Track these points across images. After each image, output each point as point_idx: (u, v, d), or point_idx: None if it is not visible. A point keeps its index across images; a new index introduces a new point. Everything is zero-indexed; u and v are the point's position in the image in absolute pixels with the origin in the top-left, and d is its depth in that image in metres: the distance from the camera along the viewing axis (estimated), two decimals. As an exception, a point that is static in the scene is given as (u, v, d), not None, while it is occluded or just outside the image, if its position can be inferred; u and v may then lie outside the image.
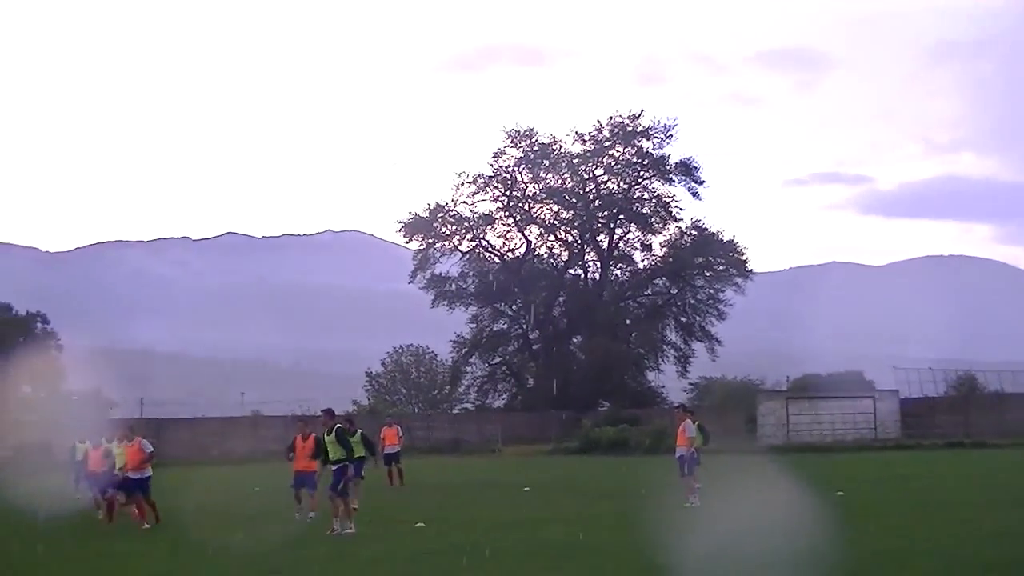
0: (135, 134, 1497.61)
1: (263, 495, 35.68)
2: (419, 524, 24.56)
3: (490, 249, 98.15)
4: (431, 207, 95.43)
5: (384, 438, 39.94)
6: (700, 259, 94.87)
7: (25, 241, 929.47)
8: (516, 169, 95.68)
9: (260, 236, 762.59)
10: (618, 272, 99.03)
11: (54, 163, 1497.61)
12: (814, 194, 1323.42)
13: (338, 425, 23.92)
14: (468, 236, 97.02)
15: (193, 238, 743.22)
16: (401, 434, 40.97)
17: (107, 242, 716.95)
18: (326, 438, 23.79)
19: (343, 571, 17.67)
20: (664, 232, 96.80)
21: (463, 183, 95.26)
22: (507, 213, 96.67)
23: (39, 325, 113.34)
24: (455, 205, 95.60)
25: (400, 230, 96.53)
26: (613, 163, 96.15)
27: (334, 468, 23.48)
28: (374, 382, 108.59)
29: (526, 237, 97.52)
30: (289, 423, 50.06)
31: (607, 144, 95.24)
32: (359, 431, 31.39)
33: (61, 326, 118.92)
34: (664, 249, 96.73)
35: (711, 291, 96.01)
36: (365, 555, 19.86)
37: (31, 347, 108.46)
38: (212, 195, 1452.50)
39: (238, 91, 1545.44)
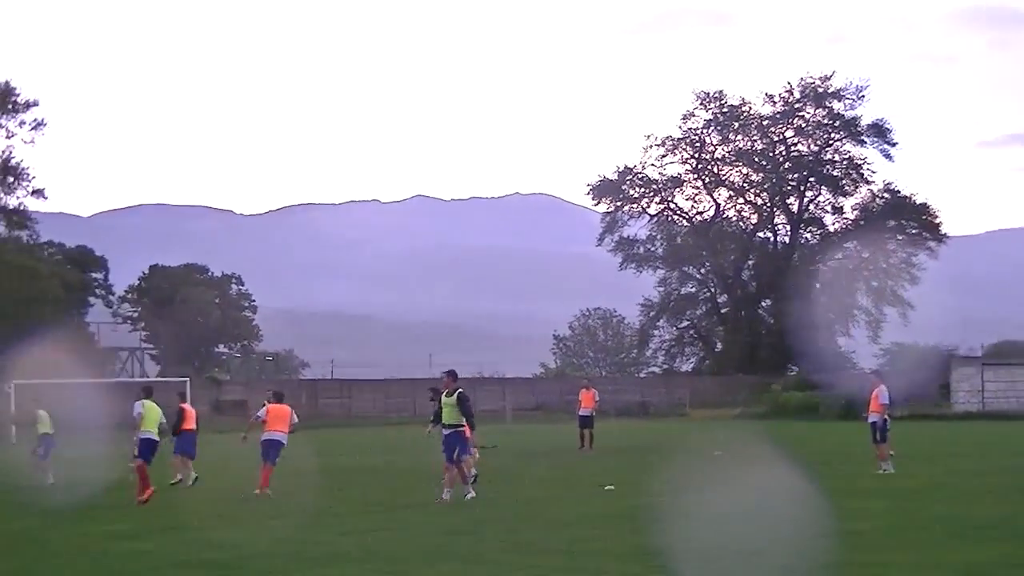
0: (324, 97, 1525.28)
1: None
2: (609, 487, 24.32)
3: (678, 212, 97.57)
4: (620, 170, 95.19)
5: (581, 401, 40.08)
6: (892, 222, 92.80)
7: (220, 204, 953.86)
8: (705, 131, 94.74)
9: (448, 199, 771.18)
10: (808, 235, 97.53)
11: (246, 128, 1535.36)
12: (1008, 156, 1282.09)
13: (460, 389, 22.93)
14: (656, 199, 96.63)
15: (382, 201, 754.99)
16: (597, 397, 40.89)
17: (298, 205, 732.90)
18: (444, 399, 23.02)
19: (530, 532, 17.48)
20: (855, 195, 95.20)
21: (652, 145, 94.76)
22: (696, 176, 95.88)
23: (234, 287, 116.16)
24: (644, 168, 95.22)
25: (589, 193, 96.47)
26: (804, 125, 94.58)
27: (447, 432, 22.60)
28: (562, 345, 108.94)
29: (715, 200, 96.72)
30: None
31: (797, 106, 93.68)
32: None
33: (255, 288, 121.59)
34: (855, 212, 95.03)
35: (903, 255, 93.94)
36: (553, 516, 19.68)
37: (227, 308, 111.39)
38: (401, 158, 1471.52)
39: (429, 53, 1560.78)
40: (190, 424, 28.33)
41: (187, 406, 29.97)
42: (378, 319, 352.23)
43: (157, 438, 25.12)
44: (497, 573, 13.91)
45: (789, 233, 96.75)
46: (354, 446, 39.48)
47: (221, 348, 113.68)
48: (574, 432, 38.92)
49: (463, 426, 22.61)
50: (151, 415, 25.24)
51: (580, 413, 39.71)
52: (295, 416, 26.03)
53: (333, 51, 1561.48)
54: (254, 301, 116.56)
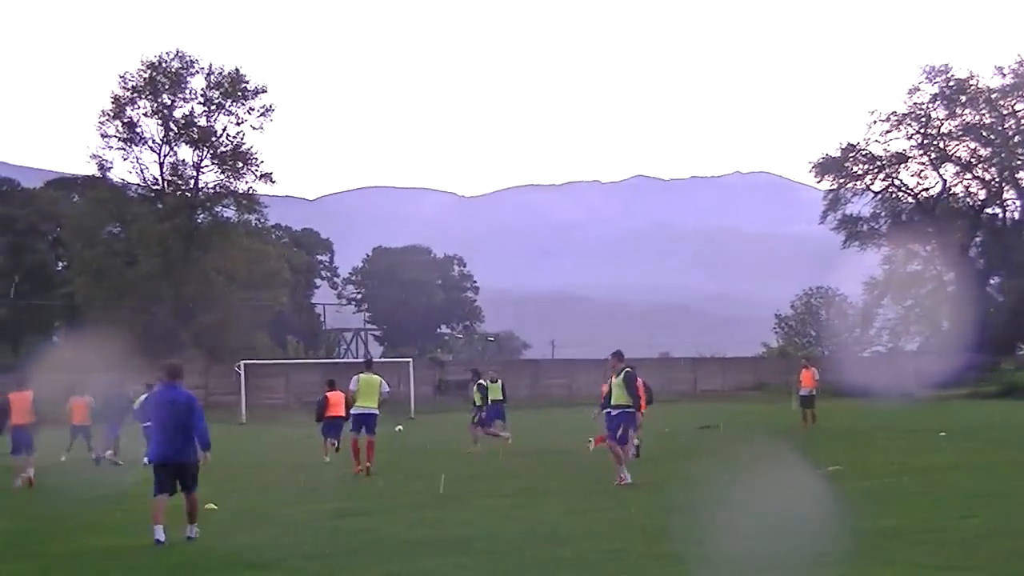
0: (545, 79, 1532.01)
1: (670, 436, 35.72)
2: (835, 467, 23.84)
3: (903, 189, 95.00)
4: (843, 147, 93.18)
5: (801, 380, 39.63)
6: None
7: (442, 186, 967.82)
8: (931, 106, 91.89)
9: (668, 178, 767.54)
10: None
11: (469, 110, 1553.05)
12: None
13: (627, 369, 22.31)
14: (880, 175, 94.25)
15: (602, 181, 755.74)
16: (817, 376, 40.20)
17: (519, 186, 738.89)
18: (613, 380, 22.62)
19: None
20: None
21: (876, 121, 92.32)
22: (921, 151, 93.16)
23: (456, 268, 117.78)
24: (867, 144, 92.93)
25: (811, 170, 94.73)
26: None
27: (614, 413, 22.10)
28: (783, 324, 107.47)
29: (941, 176, 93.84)
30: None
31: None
32: (500, 381, 35.38)
33: (476, 269, 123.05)
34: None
35: None
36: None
37: (449, 289, 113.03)
38: (621, 138, 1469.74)
39: (648, 33, 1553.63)
40: (337, 411, 28.27)
41: (332, 392, 30.72)
42: (598, 300, 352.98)
43: (375, 411, 25.72)
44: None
45: (1019, 208, 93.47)
46: (575, 426, 39.48)
47: (443, 329, 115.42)
48: (794, 412, 38.38)
49: (631, 407, 22.19)
50: (366, 388, 25.70)
51: (801, 393, 39.34)
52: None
53: (556, 34, 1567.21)
54: (476, 282, 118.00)
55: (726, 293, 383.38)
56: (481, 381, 34.44)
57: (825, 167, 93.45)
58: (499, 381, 36.98)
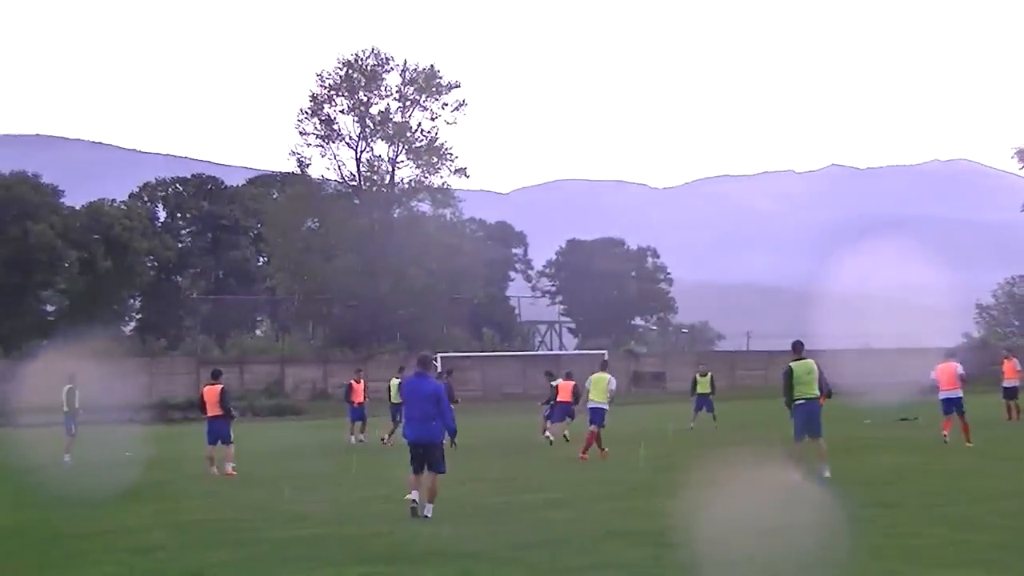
0: (731, 70, 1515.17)
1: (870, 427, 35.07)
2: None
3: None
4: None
5: (1004, 372, 38.35)
6: None
7: (635, 178, 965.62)
8: None
9: (864, 167, 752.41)
10: None
11: (661, 102, 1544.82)
12: None
13: (799, 360, 21.67)
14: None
15: (796, 171, 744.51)
16: (1020, 367, 38.84)
17: (712, 177, 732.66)
18: (795, 367, 21.92)
19: (954, 507, 16.81)
20: None
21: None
22: None
23: (650, 260, 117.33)
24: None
25: (1013, 157, 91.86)
26: None
27: (802, 403, 21.48)
28: (984, 314, 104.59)
29: None
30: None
31: None
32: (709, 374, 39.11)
33: (670, 260, 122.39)
34: None
35: None
36: (980, 489, 18.87)
37: (643, 280, 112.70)
38: (816, 126, 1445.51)
39: (839, 23, 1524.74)
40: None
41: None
42: (794, 290, 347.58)
43: (606, 406, 27.63)
44: (928, 546, 13.42)
45: None
46: (771, 417, 39.06)
47: (637, 320, 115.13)
48: (998, 403, 37.24)
49: (818, 398, 21.65)
50: (598, 386, 27.80)
51: (1004, 384, 38.00)
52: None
53: (745, 24, 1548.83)
54: (669, 274, 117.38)
55: (925, 282, 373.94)
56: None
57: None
58: (708, 374, 38.43)
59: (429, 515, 16.90)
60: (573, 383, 32.27)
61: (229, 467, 25.36)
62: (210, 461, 25.71)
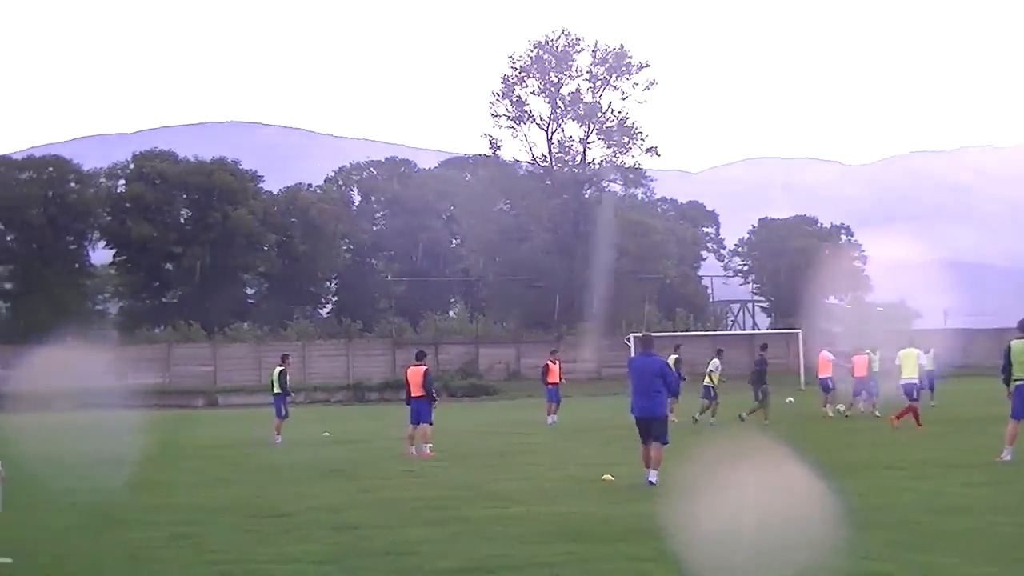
0: (925, 45, 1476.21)
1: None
2: None
3: None
4: None
5: None
6: None
7: (827, 155, 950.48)
8: None
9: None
10: None
11: (851, 78, 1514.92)
12: None
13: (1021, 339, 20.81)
14: None
15: (995, 145, 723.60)
16: None
17: (907, 153, 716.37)
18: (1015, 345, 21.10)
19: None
20: None
21: None
22: None
23: (843, 237, 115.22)
24: None
25: None
26: None
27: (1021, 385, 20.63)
28: None
29: None
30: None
31: None
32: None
33: (864, 237, 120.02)
34: None
35: None
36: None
37: (836, 258, 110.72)
38: (1015, 99, 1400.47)
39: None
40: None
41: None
42: (995, 267, 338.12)
43: (917, 381, 29.55)
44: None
45: None
46: (969, 398, 38.13)
47: (831, 299, 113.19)
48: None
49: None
50: (908, 361, 29.67)
51: None
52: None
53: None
54: (864, 251, 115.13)
55: None
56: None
57: None
58: (931, 351, 39.79)
59: (654, 480, 18.19)
60: (867, 357, 35.31)
61: (427, 448, 25.65)
62: (410, 441, 26.07)
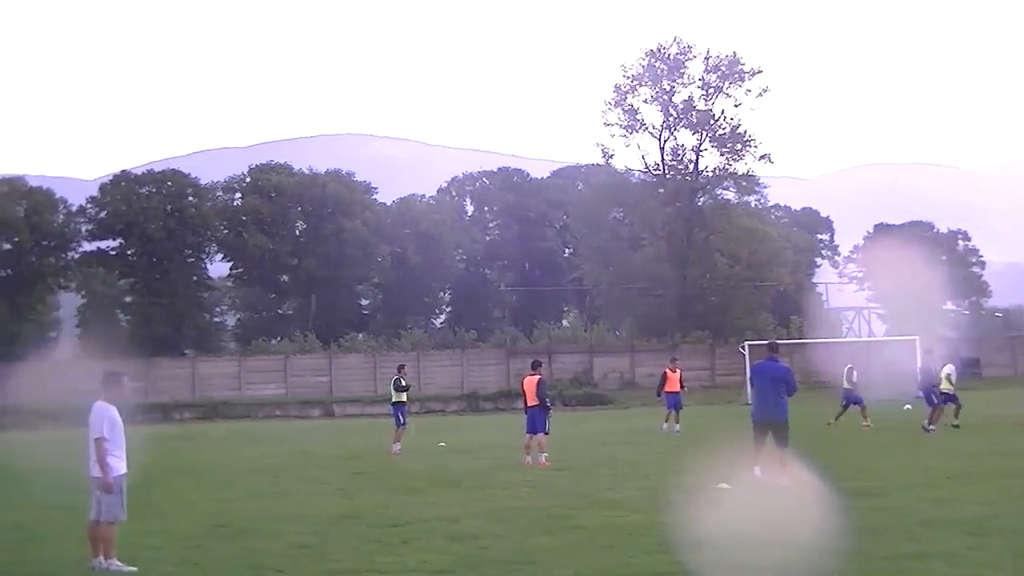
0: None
1: None
2: None
3: None
4: None
5: None
6: None
7: (944, 160, 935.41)
8: None
9: None
10: None
11: (969, 83, 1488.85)
12: None
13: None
14: None
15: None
16: None
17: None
18: None
19: None
20: None
21: None
22: None
23: (960, 243, 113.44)
24: None
25: None
26: None
27: None
28: None
29: None
30: None
31: None
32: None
33: (982, 242, 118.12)
34: None
35: None
36: None
37: (953, 264, 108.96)
38: None
39: None
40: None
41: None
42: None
43: None
44: None
45: None
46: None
47: (949, 305, 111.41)
48: None
49: None
50: None
51: None
52: None
53: None
54: (982, 257, 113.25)
55: None
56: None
57: None
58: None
59: (784, 483, 18.53)
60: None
61: (542, 458, 25.71)
62: (526, 450, 26.17)
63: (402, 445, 31.04)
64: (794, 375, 19.85)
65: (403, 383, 32.38)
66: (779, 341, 69.52)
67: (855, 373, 35.59)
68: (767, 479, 18.68)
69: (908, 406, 41.29)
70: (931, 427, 31.48)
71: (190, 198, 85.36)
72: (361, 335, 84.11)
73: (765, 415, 19.22)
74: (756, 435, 19.34)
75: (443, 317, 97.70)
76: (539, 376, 26.65)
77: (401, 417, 31.62)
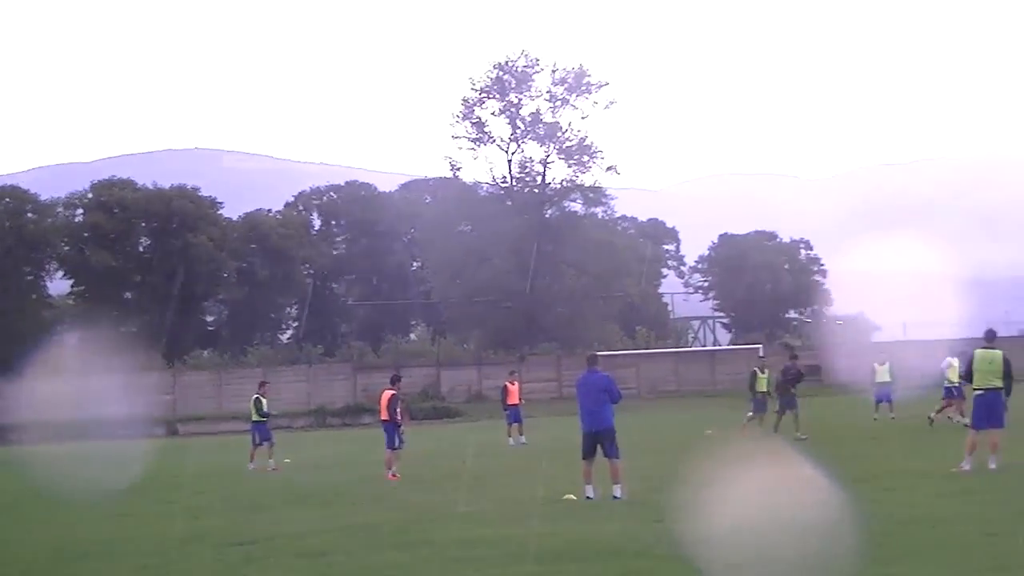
0: (881, 58, 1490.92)
1: None
2: None
3: None
4: None
5: None
6: None
7: (787, 170, 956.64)
8: None
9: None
10: None
11: (809, 93, 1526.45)
12: None
13: (985, 349, 21.20)
14: None
15: (954, 157, 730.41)
16: None
17: (866, 166, 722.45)
18: (979, 355, 21.34)
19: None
20: None
21: None
22: None
23: (803, 251, 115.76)
24: None
25: None
26: None
27: (981, 394, 20.93)
28: None
29: None
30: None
31: None
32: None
33: (824, 251, 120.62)
34: None
35: None
36: None
37: (796, 273, 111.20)
38: (970, 112, 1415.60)
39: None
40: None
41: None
42: (955, 277, 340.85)
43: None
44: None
45: None
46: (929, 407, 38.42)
47: (791, 313, 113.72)
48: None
49: (999, 389, 20.91)
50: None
51: None
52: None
53: (911, 11, 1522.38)
54: (823, 265, 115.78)
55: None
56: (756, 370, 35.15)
57: None
58: (886, 363, 38.61)
59: (619, 495, 18.84)
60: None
61: (389, 473, 25.70)
62: (387, 464, 26.23)
63: (246, 462, 30.75)
64: (616, 382, 19.91)
65: (263, 403, 31.91)
66: (618, 352, 70.54)
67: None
68: (609, 489, 18.76)
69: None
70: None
71: (29, 215, 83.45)
72: (207, 352, 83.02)
73: (593, 425, 19.23)
74: (586, 447, 19.33)
75: (290, 332, 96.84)
76: (392, 391, 26.69)
77: (258, 436, 31.26)
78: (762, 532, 13.32)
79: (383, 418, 26.49)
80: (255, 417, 31.53)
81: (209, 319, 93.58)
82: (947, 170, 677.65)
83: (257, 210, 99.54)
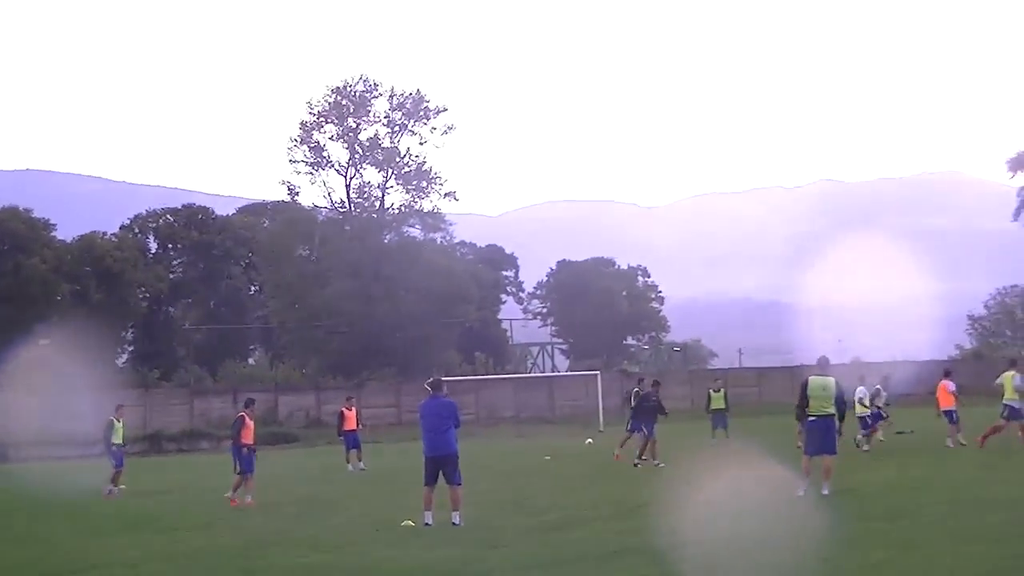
0: (736, 90, 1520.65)
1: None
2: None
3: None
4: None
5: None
6: None
7: (625, 198, 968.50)
8: None
9: (853, 180, 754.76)
10: None
11: (648, 121, 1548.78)
12: None
13: (819, 376, 21.69)
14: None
15: (785, 186, 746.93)
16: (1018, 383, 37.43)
17: (702, 194, 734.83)
18: (813, 382, 22.03)
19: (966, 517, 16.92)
20: None
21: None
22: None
23: (640, 279, 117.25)
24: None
25: (1006, 167, 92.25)
26: None
27: (816, 420, 21.46)
28: (977, 325, 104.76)
29: None
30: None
31: None
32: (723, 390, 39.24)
33: (661, 278, 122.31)
34: None
35: None
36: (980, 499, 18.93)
37: (633, 300, 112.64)
38: (804, 141, 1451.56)
39: (829, 39, 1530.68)
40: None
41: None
42: (787, 305, 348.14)
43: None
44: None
45: None
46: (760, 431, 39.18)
47: (630, 340, 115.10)
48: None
49: (833, 415, 21.66)
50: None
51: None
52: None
53: (730, 40, 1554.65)
54: (661, 292, 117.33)
55: (917, 293, 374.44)
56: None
57: (1019, 163, 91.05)
58: (722, 390, 38.69)
59: (458, 522, 18.68)
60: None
61: (232, 495, 25.61)
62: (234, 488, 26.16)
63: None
64: (459, 409, 19.87)
65: (117, 424, 31.41)
66: (466, 377, 70.74)
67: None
68: (449, 516, 18.83)
69: (590, 440, 42.33)
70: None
71: None
72: (40, 375, 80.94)
73: (437, 450, 19.12)
74: (428, 473, 19.20)
75: (126, 356, 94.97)
76: (240, 414, 26.65)
77: (114, 460, 30.76)
78: (602, 557, 13.56)
79: (247, 442, 26.25)
80: (116, 440, 31.08)
81: (43, 343, 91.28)
82: (777, 197, 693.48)
83: (92, 232, 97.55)
